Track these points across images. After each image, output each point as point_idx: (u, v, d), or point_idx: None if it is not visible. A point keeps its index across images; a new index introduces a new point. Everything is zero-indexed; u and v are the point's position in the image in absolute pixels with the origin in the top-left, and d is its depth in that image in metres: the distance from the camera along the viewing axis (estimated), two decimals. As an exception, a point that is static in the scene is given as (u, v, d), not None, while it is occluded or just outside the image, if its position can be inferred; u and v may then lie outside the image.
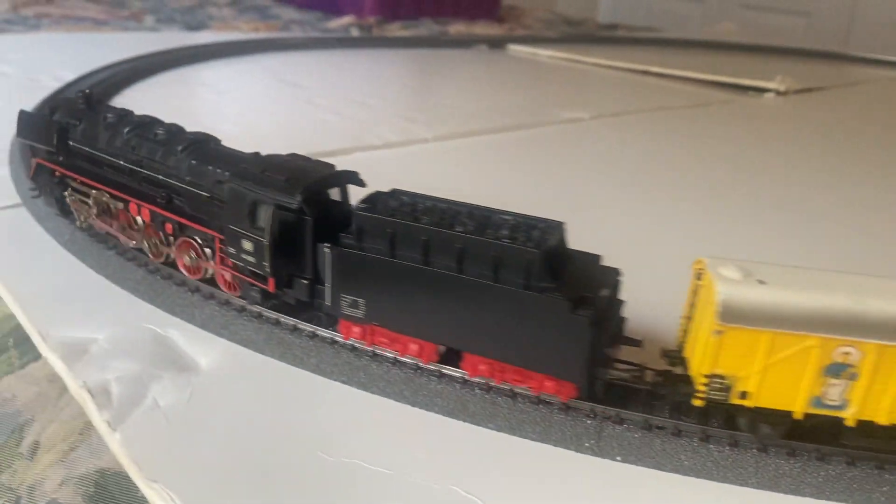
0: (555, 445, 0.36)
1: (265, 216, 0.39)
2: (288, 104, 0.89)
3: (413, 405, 0.37)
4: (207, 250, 0.42)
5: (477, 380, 0.37)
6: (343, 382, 0.38)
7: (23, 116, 0.53)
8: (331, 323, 0.39)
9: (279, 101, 0.90)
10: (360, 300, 0.38)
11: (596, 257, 0.38)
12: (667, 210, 0.65)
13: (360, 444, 0.34)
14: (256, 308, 0.41)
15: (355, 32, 1.73)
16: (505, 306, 0.35)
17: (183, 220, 0.43)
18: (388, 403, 0.37)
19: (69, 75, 0.87)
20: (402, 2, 2.16)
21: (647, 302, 0.40)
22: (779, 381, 0.33)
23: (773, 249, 0.58)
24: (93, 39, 1.25)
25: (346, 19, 1.92)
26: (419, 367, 0.37)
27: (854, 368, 0.32)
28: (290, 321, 0.40)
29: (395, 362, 0.38)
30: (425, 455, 0.34)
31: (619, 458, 0.35)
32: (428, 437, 0.36)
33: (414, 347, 0.37)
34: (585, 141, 0.86)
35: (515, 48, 1.63)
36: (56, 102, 0.54)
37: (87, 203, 0.47)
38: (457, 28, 2.01)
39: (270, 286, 0.39)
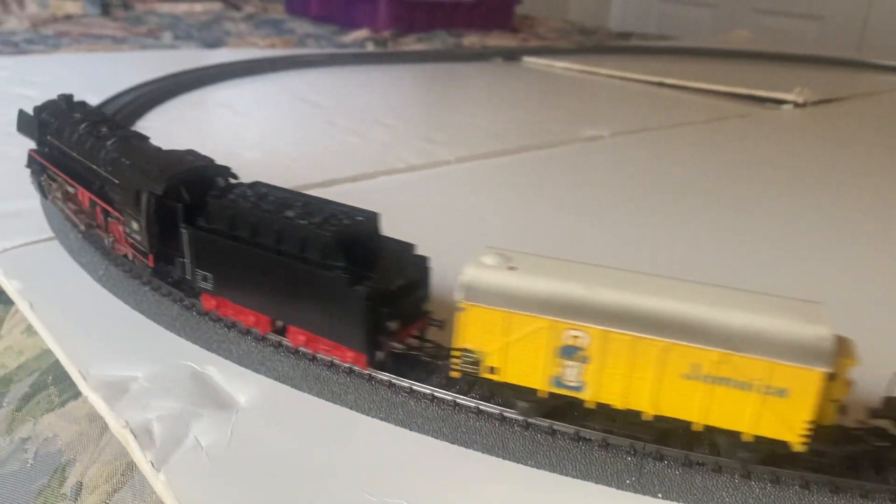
0: (595, 482, 0.36)
1: (143, 201, 0.46)
2: (309, 126, 0.89)
3: (452, 442, 0.37)
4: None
5: (516, 417, 0.37)
6: (381, 419, 0.38)
7: (21, 115, 0.62)
8: (193, 295, 0.44)
9: (300, 122, 0.91)
10: (209, 275, 0.43)
11: (410, 246, 0.42)
12: (693, 230, 0.65)
13: (402, 482, 0.35)
14: (284, 341, 0.41)
15: (370, 47, 1.73)
16: (308, 283, 0.40)
17: (105, 205, 0.50)
18: (428, 441, 0.38)
19: (92, 98, 0.88)
20: (417, 15, 2.17)
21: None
22: (520, 359, 0.36)
23: (803, 270, 0.58)
24: (113, 59, 1.26)
25: (361, 33, 1.93)
26: (457, 404, 0.38)
27: (584, 352, 0.34)
28: (327, 358, 0.40)
29: (433, 399, 0.38)
30: (467, 494, 0.34)
31: (660, 496, 0.35)
32: (468, 475, 0.36)
33: (252, 319, 0.42)
34: (608, 160, 0.86)
35: (530, 60, 1.63)
36: (44, 104, 0.62)
37: (54, 188, 0.56)
38: (471, 39, 2.01)
39: (150, 262, 0.46)
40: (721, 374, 0.32)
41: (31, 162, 0.60)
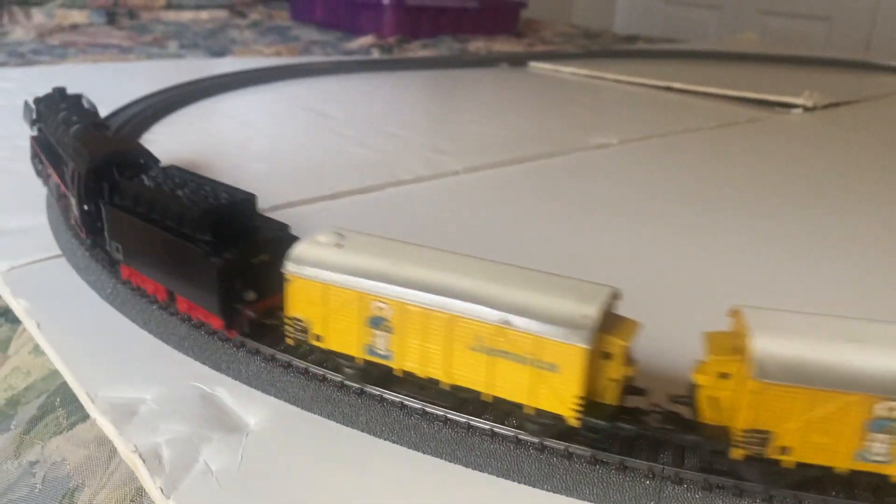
0: (613, 506, 0.35)
1: (75, 179, 0.52)
2: (315, 136, 0.89)
3: (466, 466, 0.37)
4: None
5: (531, 440, 0.36)
6: (394, 442, 0.38)
7: (25, 105, 0.70)
8: (114, 263, 0.49)
9: (306, 133, 0.90)
10: (120, 246, 0.48)
11: (285, 226, 0.45)
12: (705, 240, 0.64)
13: (415, 508, 0.34)
14: (302, 363, 0.41)
15: (376, 53, 1.73)
16: (183, 254, 0.44)
17: (63, 185, 0.56)
18: (442, 464, 0.37)
19: (100, 110, 0.88)
20: (422, 21, 2.17)
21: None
22: (338, 327, 0.38)
23: (819, 278, 0.57)
24: (119, 70, 1.26)
25: (367, 39, 1.93)
26: (471, 427, 0.37)
27: (389, 322, 0.37)
28: (337, 377, 0.39)
29: (446, 421, 0.37)
30: (482, 520, 0.34)
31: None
32: (483, 500, 0.35)
33: (151, 287, 0.46)
34: (617, 168, 0.85)
35: (536, 65, 1.63)
36: (42, 96, 0.70)
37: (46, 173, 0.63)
38: (476, 45, 2.01)
39: (84, 234, 0.51)
40: (499, 347, 0.34)
41: (32, 148, 0.67)
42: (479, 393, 0.36)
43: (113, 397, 0.40)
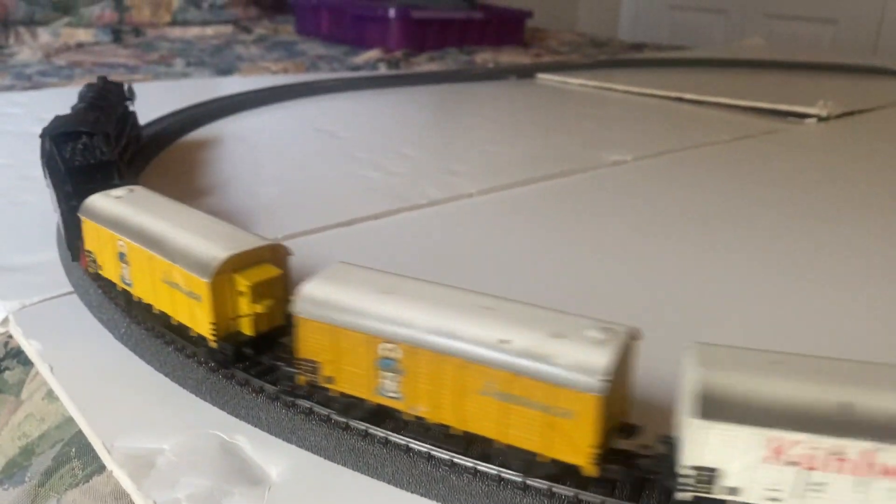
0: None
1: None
2: (327, 159, 0.88)
3: (498, 519, 0.35)
4: None
5: (566, 493, 0.35)
6: (422, 495, 0.36)
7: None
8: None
9: (319, 155, 0.89)
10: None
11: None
12: (727, 260, 0.63)
13: (446, 568, 0.33)
14: (325, 410, 0.39)
15: (383, 67, 1.72)
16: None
17: None
18: (471, 517, 0.36)
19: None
20: (428, 33, 2.16)
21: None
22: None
23: (848, 301, 0.56)
24: (127, 92, 1.25)
25: (373, 53, 1.92)
26: (502, 479, 0.35)
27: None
28: (362, 426, 0.38)
29: (476, 473, 0.36)
30: (516, 579, 0.32)
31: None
32: (516, 556, 0.34)
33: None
34: (632, 186, 0.84)
35: (544, 77, 1.62)
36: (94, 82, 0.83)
37: None
38: (483, 56, 2.00)
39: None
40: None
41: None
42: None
43: (130, 448, 0.39)
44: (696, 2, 3.99)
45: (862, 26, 3.36)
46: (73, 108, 0.71)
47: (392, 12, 2.07)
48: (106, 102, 0.74)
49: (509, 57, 2.06)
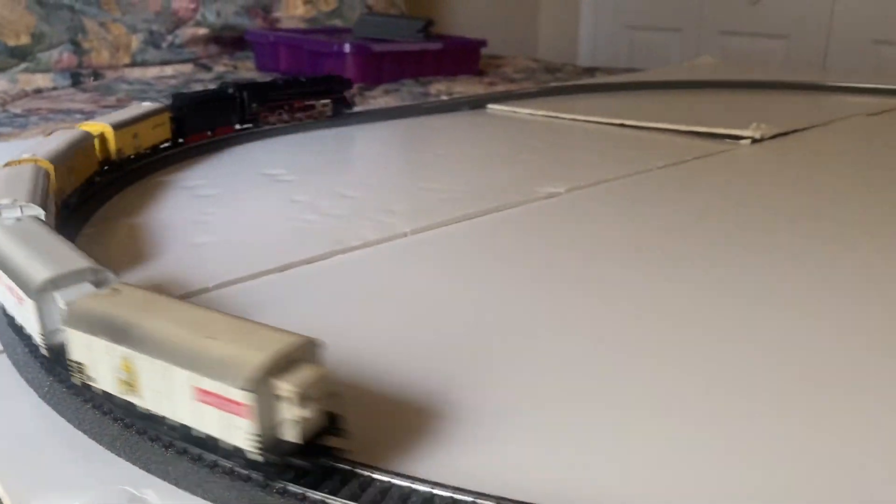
0: None
1: None
2: (268, 205, 0.90)
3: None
4: None
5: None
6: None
7: None
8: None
9: (258, 200, 0.91)
10: None
11: None
12: (650, 291, 0.66)
13: None
14: (227, 463, 0.41)
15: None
16: None
17: None
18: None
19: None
20: (385, 66, 2.20)
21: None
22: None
23: (787, 320, 0.59)
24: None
25: (329, 89, 1.95)
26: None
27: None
28: (260, 476, 0.40)
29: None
30: None
31: None
32: None
33: None
34: (563, 219, 0.87)
35: (494, 108, 1.66)
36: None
37: None
38: (437, 87, 2.04)
39: None
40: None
41: None
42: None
43: (42, 507, 0.41)
44: (652, 21, 4.08)
45: (811, 41, 3.46)
46: None
47: (348, 47, 2.10)
48: None
49: (464, 86, 2.10)
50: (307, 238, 0.78)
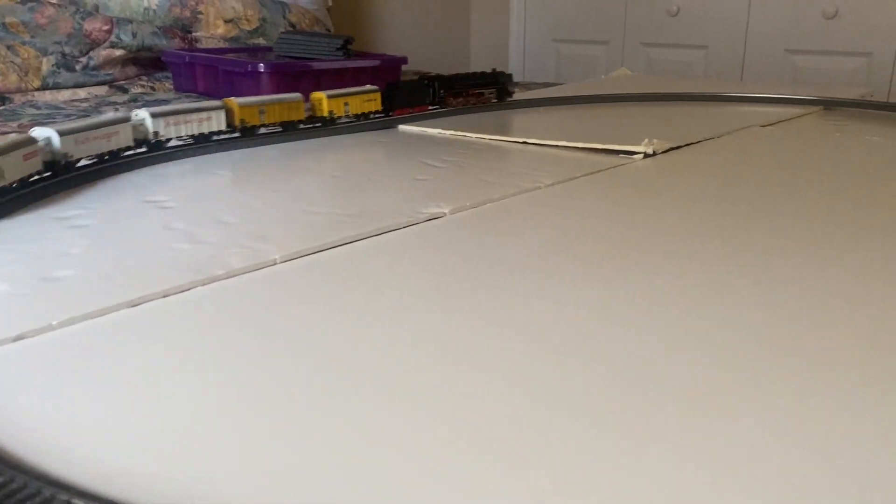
0: None
1: None
2: (141, 232, 0.88)
3: None
4: None
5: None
6: None
7: None
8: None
9: (133, 230, 0.90)
10: None
11: None
12: (529, 314, 0.66)
13: None
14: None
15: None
16: None
17: None
18: None
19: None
20: (302, 84, 2.19)
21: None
22: None
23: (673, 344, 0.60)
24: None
25: (242, 109, 1.93)
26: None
27: None
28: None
29: None
30: None
31: None
32: None
33: None
34: (444, 241, 0.87)
35: (405, 127, 1.66)
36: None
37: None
38: (353, 107, 2.04)
39: None
40: None
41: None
42: None
43: None
44: (579, 35, 4.16)
45: (729, 51, 3.56)
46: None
47: (262, 66, 2.09)
48: None
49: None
50: (171, 268, 0.77)
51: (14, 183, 0.95)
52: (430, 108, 1.74)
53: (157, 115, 1.27)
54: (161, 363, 0.58)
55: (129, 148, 1.23)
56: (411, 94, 1.72)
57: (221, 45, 2.74)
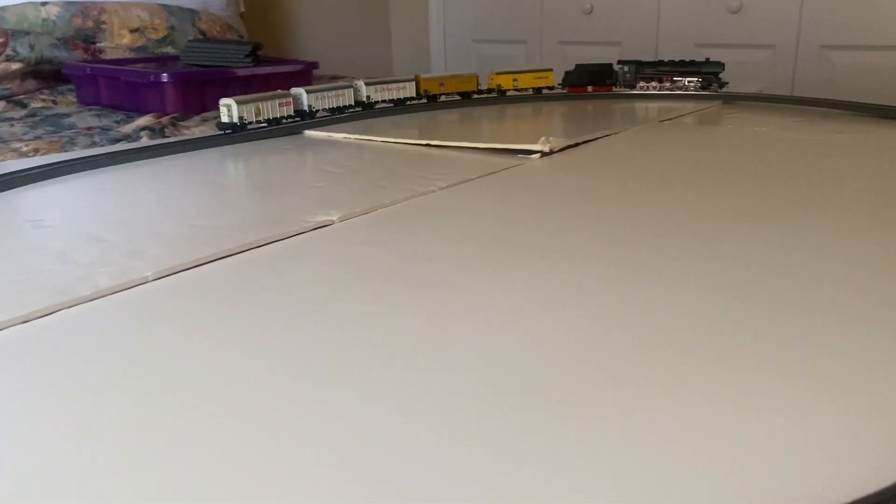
0: None
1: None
2: (16, 254, 0.85)
3: None
4: None
5: None
6: None
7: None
8: None
9: (7, 252, 0.86)
10: None
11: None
12: (420, 324, 0.66)
13: None
14: None
15: (145, 136, 1.69)
16: None
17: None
18: None
19: None
20: (209, 92, 2.15)
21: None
22: None
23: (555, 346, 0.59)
24: None
25: (144, 120, 1.88)
26: None
27: None
28: None
29: None
30: None
31: None
32: None
33: None
34: (331, 251, 0.85)
35: (311, 133, 1.64)
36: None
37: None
38: (261, 114, 2.00)
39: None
40: None
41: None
42: None
43: None
44: (498, 35, 4.19)
45: (642, 47, 3.64)
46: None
47: (165, 76, 2.04)
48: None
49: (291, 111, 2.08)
50: (36, 291, 0.74)
51: None
52: (614, 89, 1.90)
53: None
54: (12, 394, 0.55)
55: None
56: (592, 74, 1.85)
57: (128, 55, 2.66)
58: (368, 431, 0.48)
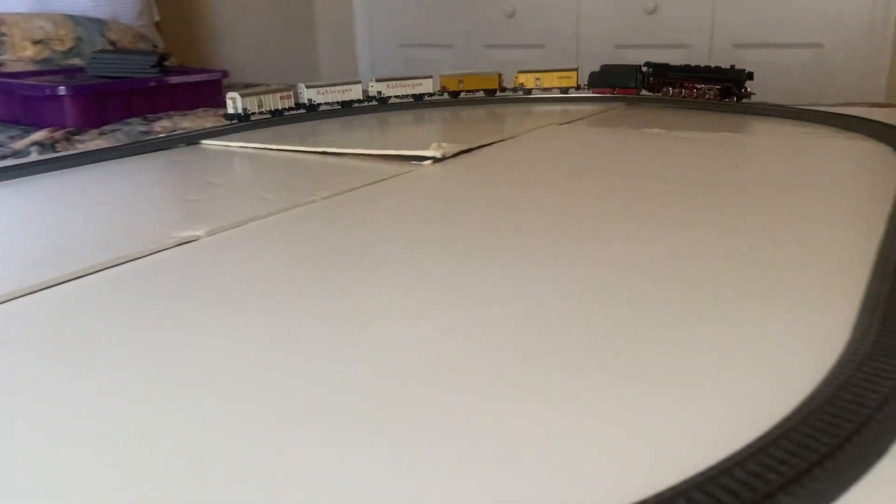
0: None
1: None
2: None
3: None
4: None
5: None
6: None
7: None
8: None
9: None
10: None
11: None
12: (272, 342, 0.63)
13: None
14: None
15: (35, 151, 1.63)
16: None
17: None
18: None
19: None
20: (110, 105, 2.08)
21: None
22: None
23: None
24: None
25: (38, 135, 1.81)
26: None
27: None
28: None
29: None
30: None
31: None
32: None
33: None
34: (192, 267, 0.83)
35: (209, 143, 1.60)
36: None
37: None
38: (163, 124, 1.95)
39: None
40: None
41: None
42: None
43: None
44: (424, 39, 4.18)
45: (564, 49, 3.67)
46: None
47: (62, 89, 1.97)
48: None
49: (199, 121, 2.03)
50: None
51: None
52: (639, 93, 1.84)
53: None
54: None
55: None
56: (617, 76, 1.83)
57: (31, 67, 2.57)
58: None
